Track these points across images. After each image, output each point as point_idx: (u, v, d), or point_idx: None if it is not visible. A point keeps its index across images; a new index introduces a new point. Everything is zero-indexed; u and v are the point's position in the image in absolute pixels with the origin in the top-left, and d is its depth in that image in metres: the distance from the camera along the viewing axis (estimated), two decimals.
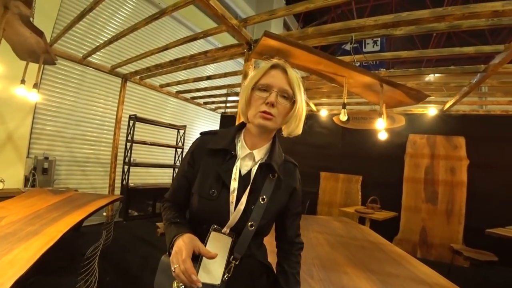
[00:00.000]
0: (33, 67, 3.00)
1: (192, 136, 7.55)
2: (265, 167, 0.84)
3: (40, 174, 4.24)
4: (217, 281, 0.75)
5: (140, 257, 3.27)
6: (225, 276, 0.76)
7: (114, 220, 2.95)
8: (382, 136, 2.57)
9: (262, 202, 0.81)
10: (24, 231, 1.76)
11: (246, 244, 0.80)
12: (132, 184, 5.09)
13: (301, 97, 0.81)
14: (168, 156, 6.40)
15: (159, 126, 5.75)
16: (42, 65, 2.44)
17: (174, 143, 6.18)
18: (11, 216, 2.04)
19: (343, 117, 2.10)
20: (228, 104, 6.40)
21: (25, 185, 4.14)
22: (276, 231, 0.97)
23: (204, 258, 0.74)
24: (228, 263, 0.77)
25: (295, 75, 0.82)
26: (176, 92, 5.35)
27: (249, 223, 0.79)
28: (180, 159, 6.24)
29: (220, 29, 2.83)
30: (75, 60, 3.94)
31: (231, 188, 0.80)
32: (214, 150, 0.85)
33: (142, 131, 5.54)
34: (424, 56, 3.39)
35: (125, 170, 5.03)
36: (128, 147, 4.99)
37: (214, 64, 5.94)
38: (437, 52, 3.15)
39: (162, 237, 2.93)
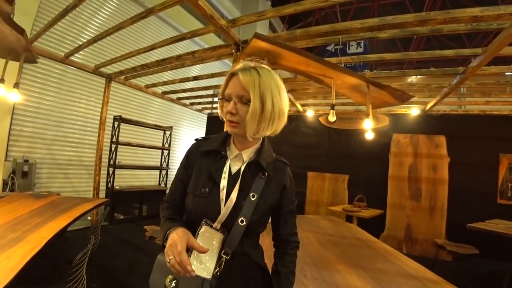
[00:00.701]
0: (12, 65, 2.88)
1: (178, 137, 7.46)
2: (253, 165, 0.88)
3: (20, 178, 4.06)
4: (209, 275, 0.75)
5: (128, 261, 3.20)
6: (216, 271, 0.78)
7: (100, 224, 2.87)
8: (369, 135, 2.63)
9: (252, 199, 0.84)
10: (5, 238, 1.68)
11: (237, 240, 0.81)
12: (117, 187, 4.96)
13: (261, 97, 0.79)
14: (154, 157, 6.29)
15: (145, 127, 5.64)
16: (22, 64, 2.33)
17: (160, 144, 6.09)
18: None
19: (332, 118, 2.14)
20: (215, 105, 6.37)
21: (4, 190, 3.95)
22: (272, 230, 0.98)
23: (194, 252, 0.75)
24: (219, 257, 0.79)
25: (250, 77, 0.79)
26: (162, 92, 5.27)
27: (240, 219, 0.81)
28: (166, 160, 6.15)
29: (208, 29, 2.81)
30: (57, 59, 3.80)
31: (221, 186, 0.84)
32: (207, 152, 0.90)
33: (127, 133, 5.42)
34: (406, 58, 3.51)
35: (110, 172, 4.90)
36: (113, 148, 4.87)
37: (200, 64, 5.89)
38: (420, 54, 3.26)
39: (150, 241, 2.88)
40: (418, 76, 4.21)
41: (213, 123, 6.75)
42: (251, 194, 0.84)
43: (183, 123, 7.72)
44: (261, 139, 0.93)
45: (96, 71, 4.12)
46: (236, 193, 0.83)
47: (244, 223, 0.81)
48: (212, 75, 4.01)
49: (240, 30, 7.63)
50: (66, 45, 4.40)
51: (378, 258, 1.98)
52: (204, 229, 0.81)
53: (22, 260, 1.43)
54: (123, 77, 4.34)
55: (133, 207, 5.34)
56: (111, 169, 4.91)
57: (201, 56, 3.24)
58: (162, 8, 2.42)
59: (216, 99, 6.07)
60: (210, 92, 5.56)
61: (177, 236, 0.74)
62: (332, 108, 2.16)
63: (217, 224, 0.82)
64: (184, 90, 4.94)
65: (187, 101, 5.96)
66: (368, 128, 2.48)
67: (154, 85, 4.71)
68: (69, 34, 4.58)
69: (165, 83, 4.55)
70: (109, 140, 4.95)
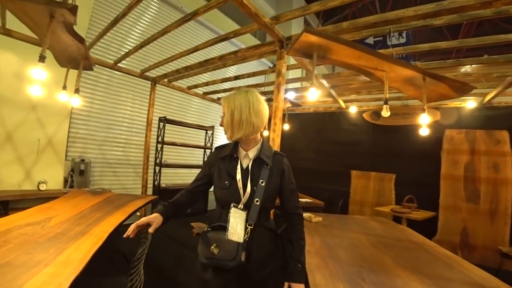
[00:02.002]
0: (71, 72, 3.13)
1: (219, 136, 7.63)
2: (258, 160, 1.21)
3: (77, 176, 4.44)
4: (241, 239, 1.09)
5: (174, 257, 3.33)
6: (246, 237, 1.10)
7: None
8: (424, 132, 2.43)
9: (262, 185, 1.16)
10: (72, 231, 1.83)
11: (255, 215, 1.13)
12: (163, 185, 5.21)
13: (231, 111, 1.17)
14: (195, 156, 6.49)
15: (187, 127, 5.83)
16: (81, 71, 2.53)
17: (201, 143, 6.25)
18: (59, 216, 2.13)
19: (386, 113, 2.01)
20: None
21: (65, 186, 4.35)
22: (280, 207, 1.30)
23: (229, 226, 1.11)
24: (245, 228, 1.11)
25: (225, 99, 1.21)
26: (203, 93, 5.41)
27: (255, 200, 1.14)
28: None
29: (251, 27, 2.81)
30: (107, 66, 4.08)
31: (237, 178, 1.18)
32: (223, 157, 1.25)
33: (169, 133, 5.66)
34: (464, 46, 3.20)
35: (157, 171, 5.15)
36: (158, 148, 5.12)
37: (236, 65, 5.94)
38: (480, 41, 2.94)
39: (197, 238, 2.97)
40: (474, 65, 3.81)
41: None
42: (260, 181, 1.16)
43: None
44: (261, 140, 1.27)
45: (142, 75, 4.34)
46: (249, 182, 1.17)
47: (259, 202, 1.14)
48: (254, 74, 4.02)
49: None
50: (112, 52, 4.71)
51: (439, 264, 1.82)
52: (233, 210, 1.14)
53: (88, 252, 1.53)
54: (166, 79, 4.52)
55: None
56: (157, 168, 5.15)
57: (243, 55, 3.25)
58: (206, 10, 2.46)
59: None
60: None
61: (146, 217, 1.17)
62: (386, 103, 2.03)
63: (241, 206, 1.15)
64: (225, 90, 5.01)
65: None
66: (424, 124, 2.30)
67: (195, 86, 4.84)
68: (114, 42, 4.89)
69: (206, 83, 4.66)
70: (155, 140, 5.20)
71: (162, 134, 5.00)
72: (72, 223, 1.98)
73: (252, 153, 1.23)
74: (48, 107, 4.15)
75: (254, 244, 1.12)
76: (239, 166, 1.20)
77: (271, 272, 1.17)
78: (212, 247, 1.09)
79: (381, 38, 7.74)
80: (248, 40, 7.54)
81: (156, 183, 5.08)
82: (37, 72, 1.62)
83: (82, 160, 4.55)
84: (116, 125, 5.46)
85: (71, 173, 4.39)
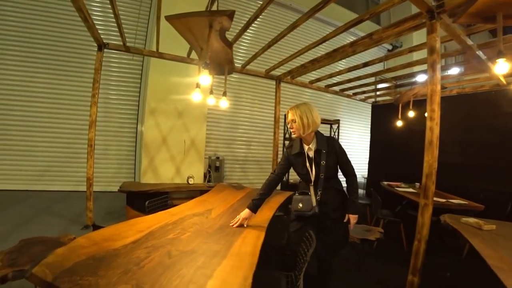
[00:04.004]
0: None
1: (345, 130, 7.33)
2: (317, 150, 1.86)
3: (214, 172, 5.01)
4: (314, 203, 1.83)
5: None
6: (318, 197, 1.83)
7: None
8: None
9: (323, 164, 1.82)
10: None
11: (322, 184, 1.83)
12: (291, 181, 5.33)
13: (300, 117, 1.84)
14: None
15: None
16: (227, 75, 2.75)
17: None
18: (216, 209, 2.34)
19: None
20: (379, 93, 5.71)
21: (204, 181, 5.00)
22: (342, 174, 1.96)
23: (298, 203, 1.88)
24: (316, 193, 1.84)
25: (292, 111, 1.89)
26: (326, 86, 5.19)
27: (320, 174, 1.83)
28: None
29: (392, 1, 2.41)
30: (236, 70, 4.40)
31: (307, 165, 1.88)
32: (295, 154, 1.91)
33: None
34: None
35: None
36: (286, 144, 5.26)
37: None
38: None
39: None
40: None
41: (378, 112, 6.04)
42: (322, 162, 1.82)
43: (348, 115, 7.57)
44: (314, 134, 1.90)
45: (267, 75, 4.48)
46: (314, 166, 1.86)
47: (323, 176, 1.83)
48: (386, 58, 3.53)
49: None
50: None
51: None
52: (311, 186, 1.87)
53: (255, 246, 1.54)
54: (289, 76, 4.53)
55: None
56: None
57: (379, 37, 2.85)
58: None
59: (380, 85, 5.48)
60: (372, 79, 5.05)
61: (243, 212, 1.91)
62: None
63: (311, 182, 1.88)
64: (350, 80, 4.63)
65: (350, 92, 5.61)
66: None
67: (319, 79, 4.67)
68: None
69: (330, 75, 4.41)
70: (282, 137, 5.35)
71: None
72: (228, 216, 2.12)
73: (313, 145, 1.88)
74: (190, 113, 4.85)
75: (326, 199, 1.85)
76: (306, 158, 1.88)
77: (341, 214, 1.87)
78: (299, 204, 1.86)
79: None
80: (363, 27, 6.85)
81: (284, 179, 5.22)
82: (204, 78, 1.79)
83: (217, 158, 5.11)
84: (242, 125, 5.94)
85: (208, 169, 5.00)
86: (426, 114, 2.17)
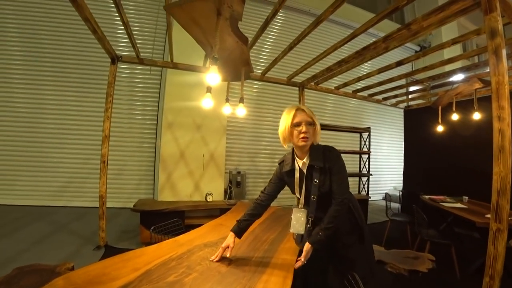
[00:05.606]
0: (222, 86, 3.10)
1: (375, 139, 6.74)
2: (310, 166, 1.46)
3: (235, 187, 4.65)
4: (301, 231, 1.47)
5: None
6: (308, 226, 1.45)
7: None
8: None
9: (315, 184, 1.43)
10: (251, 260, 1.56)
11: (314, 208, 1.44)
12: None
13: (317, 120, 1.45)
14: (349, 163, 5.82)
15: (338, 131, 5.27)
16: (243, 79, 2.42)
17: (356, 148, 5.52)
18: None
19: None
20: (411, 96, 5.11)
21: (224, 197, 4.65)
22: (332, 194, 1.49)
23: (292, 219, 1.51)
24: (307, 220, 1.46)
25: (309, 110, 1.46)
26: (353, 91, 4.71)
27: (311, 196, 1.44)
28: (366, 165, 5.42)
29: None
30: (255, 78, 4.09)
31: (296, 184, 1.53)
32: (286, 172, 1.55)
33: (321, 138, 5.29)
34: None
35: None
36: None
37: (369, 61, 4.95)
38: None
39: None
40: None
41: (412, 117, 5.42)
42: (314, 181, 1.44)
43: (376, 122, 7.00)
44: (308, 147, 1.47)
45: (289, 81, 4.12)
46: (304, 185, 1.49)
47: (315, 199, 1.44)
48: (424, 54, 3.03)
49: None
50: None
51: None
52: (294, 210, 1.54)
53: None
54: (313, 82, 4.12)
55: None
56: None
57: (420, 26, 2.38)
58: None
59: (411, 88, 4.91)
60: (403, 82, 4.50)
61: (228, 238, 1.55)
62: None
63: (300, 205, 1.52)
64: (380, 83, 4.12)
65: (380, 96, 5.07)
66: None
67: (346, 84, 4.22)
68: (250, 53, 4.99)
69: (359, 78, 3.94)
70: None
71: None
72: (247, 248, 1.73)
73: (307, 159, 1.47)
74: (209, 125, 4.58)
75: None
76: (297, 176, 1.51)
77: (358, 236, 1.55)
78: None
79: None
80: (386, 27, 6.37)
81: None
82: (211, 76, 1.47)
83: (238, 172, 4.76)
84: (264, 137, 5.59)
85: (229, 184, 4.65)
86: (493, 114, 1.73)
